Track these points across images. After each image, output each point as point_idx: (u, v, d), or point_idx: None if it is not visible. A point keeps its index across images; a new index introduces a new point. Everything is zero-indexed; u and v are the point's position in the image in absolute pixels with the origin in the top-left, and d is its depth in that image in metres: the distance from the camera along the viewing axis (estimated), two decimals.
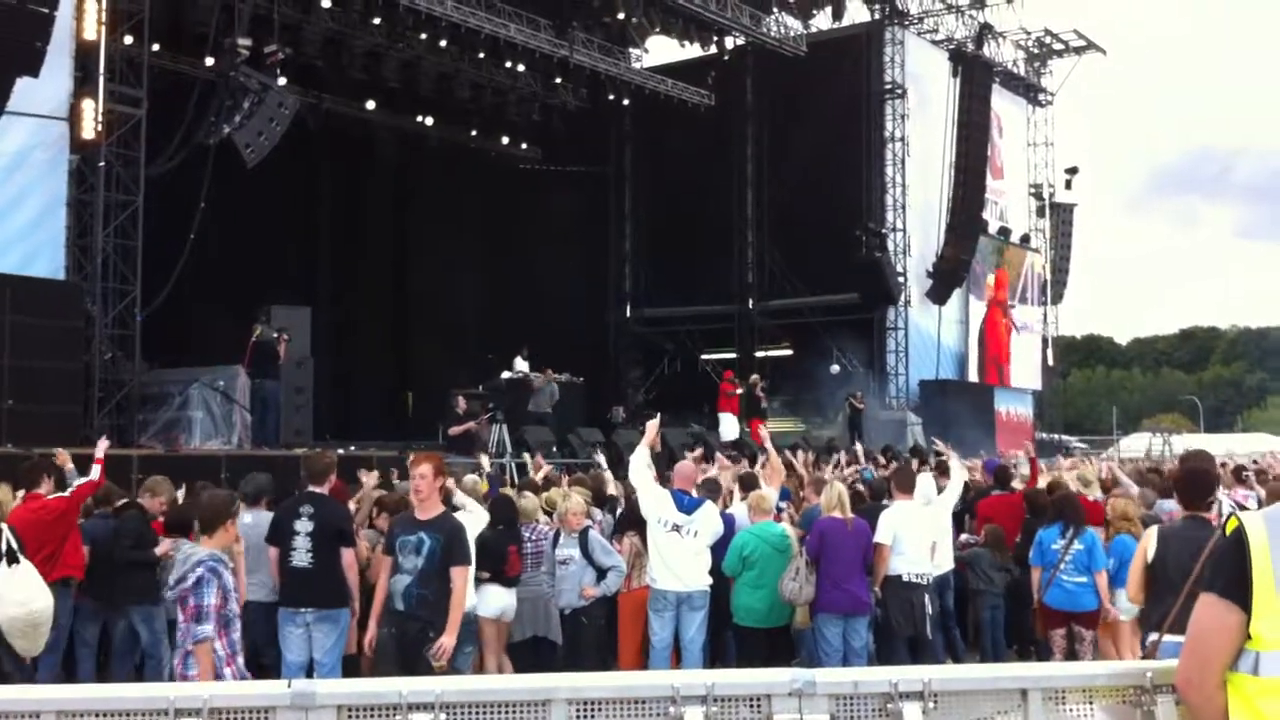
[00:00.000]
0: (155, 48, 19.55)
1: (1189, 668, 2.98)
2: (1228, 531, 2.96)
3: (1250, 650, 2.82)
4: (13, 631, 6.56)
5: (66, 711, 3.26)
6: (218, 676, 5.94)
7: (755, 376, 24.49)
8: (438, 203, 30.43)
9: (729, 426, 22.64)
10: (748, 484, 10.52)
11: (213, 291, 21.77)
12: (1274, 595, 2.77)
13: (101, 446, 9.41)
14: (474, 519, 7.99)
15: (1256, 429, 48.80)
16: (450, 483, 8.37)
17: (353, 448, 16.47)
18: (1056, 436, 36.18)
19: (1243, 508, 8.81)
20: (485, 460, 13.21)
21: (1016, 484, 11.92)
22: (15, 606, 6.56)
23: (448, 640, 6.77)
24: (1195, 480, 6.02)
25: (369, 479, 10.76)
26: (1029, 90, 34.84)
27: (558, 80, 28.00)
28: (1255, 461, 16.21)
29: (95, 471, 8.81)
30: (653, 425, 9.27)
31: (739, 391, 23.25)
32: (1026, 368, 33.78)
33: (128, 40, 17.58)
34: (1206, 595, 2.93)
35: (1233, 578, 2.84)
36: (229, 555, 6.52)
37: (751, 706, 3.46)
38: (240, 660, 6.18)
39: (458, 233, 30.41)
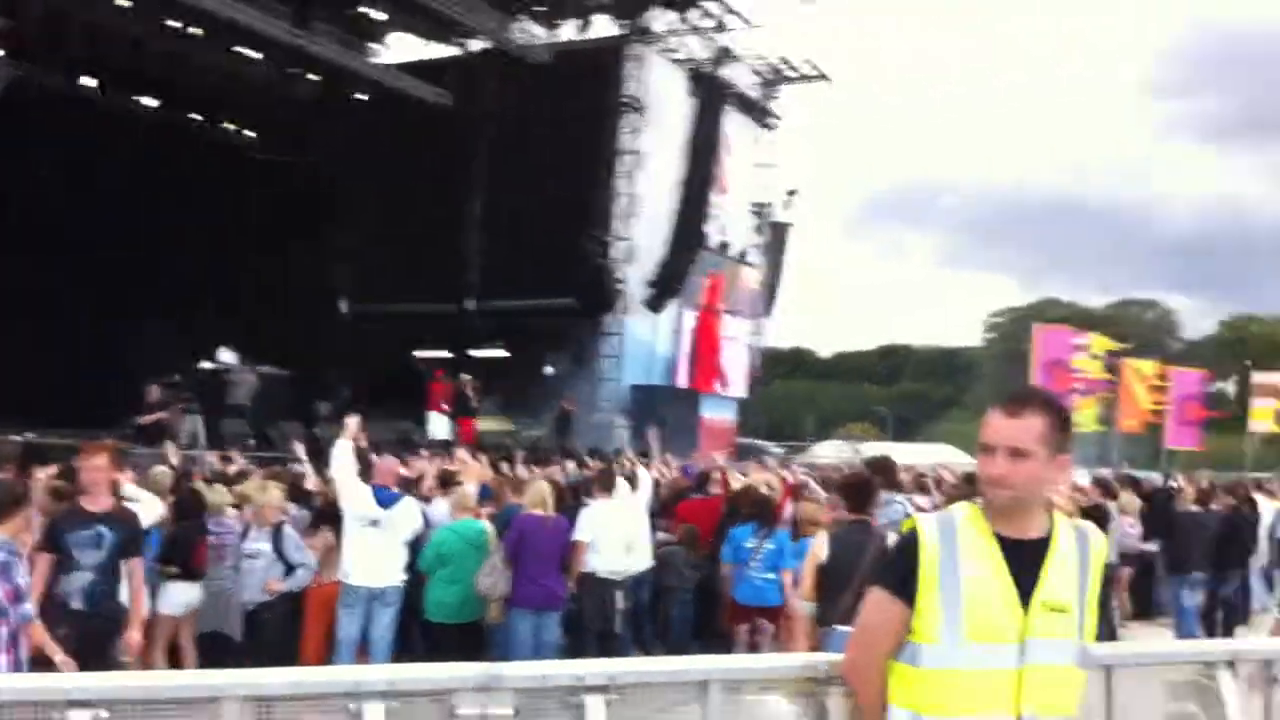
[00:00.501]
0: None
1: (854, 655, 3.18)
2: (904, 531, 3.15)
3: (911, 643, 2.99)
4: None
5: None
6: None
7: (466, 376, 24.34)
8: (159, 186, 28.75)
9: (438, 425, 22.45)
10: (448, 481, 10.48)
11: None
12: (937, 593, 2.94)
13: None
14: (146, 509, 7.64)
15: (940, 440, 52.13)
16: (126, 476, 7.98)
17: (30, 435, 15.31)
18: (757, 442, 37.62)
19: (922, 510, 9.41)
20: (172, 452, 12.55)
21: (714, 488, 12.31)
22: None
23: (138, 635, 6.68)
24: (858, 488, 6.71)
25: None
26: (759, 113, 36.04)
27: (292, 70, 26.98)
28: (935, 470, 17.29)
29: None
30: (352, 421, 9.08)
31: (449, 395, 23.06)
32: (734, 376, 34.93)
33: None
34: (875, 590, 3.10)
35: (901, 575, 3.01)
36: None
37: (435, 701, 3.41)
38: (22, 652, 5.80)
39: (178, 218, 28.84)
